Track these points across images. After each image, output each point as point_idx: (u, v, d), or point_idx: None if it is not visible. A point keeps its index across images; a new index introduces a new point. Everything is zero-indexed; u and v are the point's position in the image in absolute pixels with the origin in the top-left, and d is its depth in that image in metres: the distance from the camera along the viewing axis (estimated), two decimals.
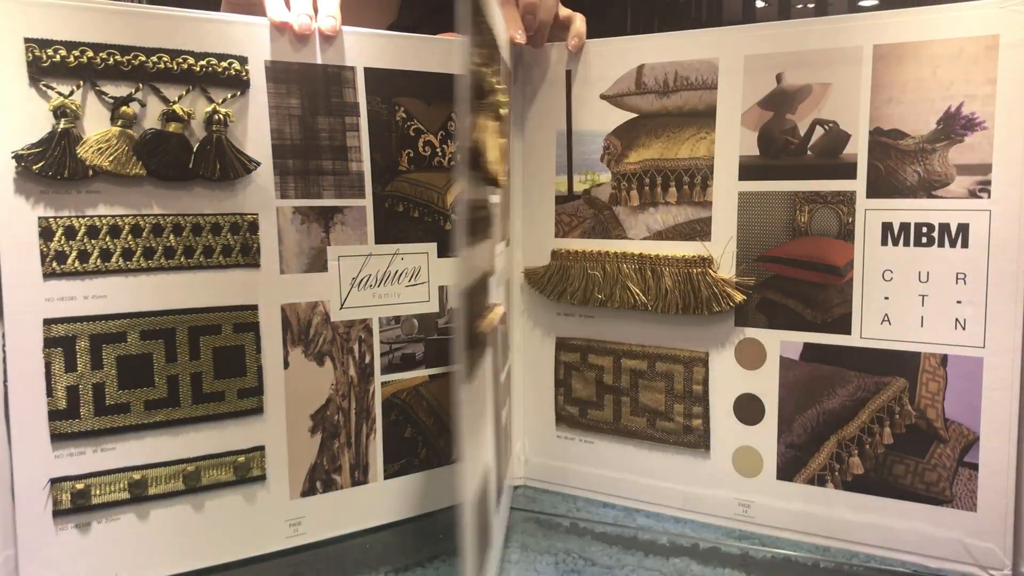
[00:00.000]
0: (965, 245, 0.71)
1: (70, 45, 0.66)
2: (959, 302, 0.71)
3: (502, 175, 0.61)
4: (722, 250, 0.80)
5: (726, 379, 0.82)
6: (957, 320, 0.72)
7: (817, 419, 0.77)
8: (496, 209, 0.72)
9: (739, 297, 0.79)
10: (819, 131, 0.75)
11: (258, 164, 0.74)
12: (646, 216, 0.84)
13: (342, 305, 0.78)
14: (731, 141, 0.79)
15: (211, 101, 0.71)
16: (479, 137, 0.50)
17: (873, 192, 0.74)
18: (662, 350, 0.84)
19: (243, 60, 0.72)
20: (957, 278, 0.71)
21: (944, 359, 0.72)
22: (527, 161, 0.90)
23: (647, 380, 0.85)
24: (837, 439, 0.77)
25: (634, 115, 0.84)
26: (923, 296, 0.73)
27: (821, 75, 0.75)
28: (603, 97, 0.85)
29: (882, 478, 0.76)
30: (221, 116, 0.71)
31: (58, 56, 0.65)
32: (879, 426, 0.75)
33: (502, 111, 0.60)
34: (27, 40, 0.65)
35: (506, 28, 0.82)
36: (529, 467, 0.93)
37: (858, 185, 0.74)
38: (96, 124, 0.68)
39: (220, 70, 0.71)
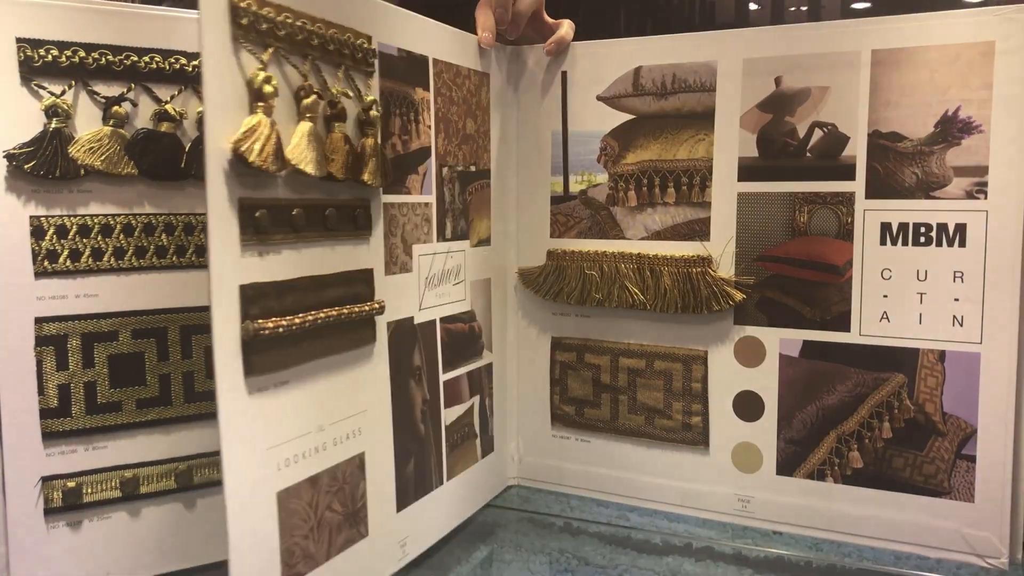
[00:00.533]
0: (962, 244, 0.72)
1: (62, 45, 0.65)
2: (957, 300, 0.73)
3: (368, 176, 0.63)
4: (721, 250, 0.80)
5: (725, 377, 0.82)
6: (955, 317, 0.73)
7: (817, 415, 0.78)
8: (415, 209, 0.73)
9: (739, 296, 0.79)
10: (818, 133, 0.76)
11: None
12: (644, 216, 0.84)
13: None
14: (730, 143, 0.79)
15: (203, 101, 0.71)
16: (244, 137, 0.52)
17: (872, 193, 0.75)
18: (660, 349, 0.85)
19: None
20: (955, 276, 0.72)
21: (942, 355, 0.74)
22: (522, 161, 0.89)
23: (645, 378, 0.85)
24: (837, 434, 0.78)
25: (631, 116, 0.84)
26: (921, 294, 0.74)
27: (820, 79, 0.76)
28: (599, 99, 0.85)
29: (881, 471, 0.76)
30: None
31: (50, 56, 0.65)
32: (878, 421, 0.76)
33: (358, 112, 0.64)
34: (19, 40, 0.64)
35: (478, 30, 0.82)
36: (523, 467, 0.93)
37: (857, 186, 0.75)
38: (88, 124, 0.67)
39: None
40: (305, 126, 0.57)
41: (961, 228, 0.72)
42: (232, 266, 0.53)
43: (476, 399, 0.84)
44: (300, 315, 0.57)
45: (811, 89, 0.76)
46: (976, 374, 0.72)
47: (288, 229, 0.57)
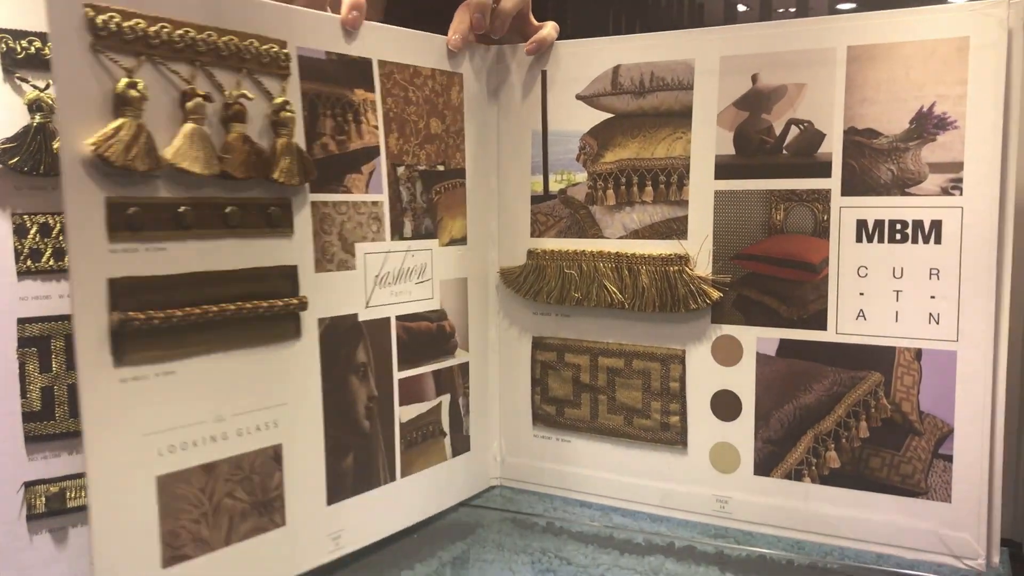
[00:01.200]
0: (938, 241, 0.72)
1: (45, 37, 0.65)
2: (933, 297, 0.72)
3: (279, 174, 0.65)
4: (698, 248, 0.80)
5: (703, 376, 0.82)
6: (931, 315, 0.72)
7: (794, 414, 0.78)
8: (358, 208, 0.74)
9: (716, 295, 0.79)
10: (794, 131, 0.76)
11: None
12: (622, 215, 0.84)
13: None
14: (707, 141, 0.79)
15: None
16: (103, 139, 0.54)
17: (848, 190, 0.75)
18: (639, 348, 0.85)
19: None
20: (931, 273, 0.72)
21: (919, 353, 0.73)
22: (502, 161, 0.90)
23: (624, 378, 0.86)
24: (814, 434, 0.77)
25: (610, 115, 0.84)
26: (897, 292, 0.74)
27: (796, 76, 0.76)
28: (579, 97, 0.85)
29: (858, 471, 0.76)
30: None
31: (32, 48, 0.65)
32: (855, 420, 0.76)
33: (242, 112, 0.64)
34: (0, 30, 0.64)
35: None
36: (505, 467, 0.93)
37: (833, 183, 0.75)
38: None
39: None
40: (188, 127, 0.59)
41: (937, 225, 0.72)
42: (95, 262, 0.55)
43: (446, 397, 0.85)
44: (186, 308, 0.59)
45: (787, 86, 0.76)
46: (953, 372, 0.72)
47: (173, 226, 0.59)
